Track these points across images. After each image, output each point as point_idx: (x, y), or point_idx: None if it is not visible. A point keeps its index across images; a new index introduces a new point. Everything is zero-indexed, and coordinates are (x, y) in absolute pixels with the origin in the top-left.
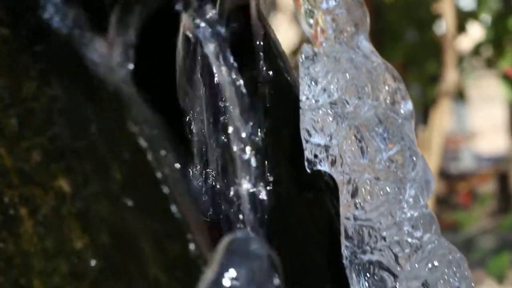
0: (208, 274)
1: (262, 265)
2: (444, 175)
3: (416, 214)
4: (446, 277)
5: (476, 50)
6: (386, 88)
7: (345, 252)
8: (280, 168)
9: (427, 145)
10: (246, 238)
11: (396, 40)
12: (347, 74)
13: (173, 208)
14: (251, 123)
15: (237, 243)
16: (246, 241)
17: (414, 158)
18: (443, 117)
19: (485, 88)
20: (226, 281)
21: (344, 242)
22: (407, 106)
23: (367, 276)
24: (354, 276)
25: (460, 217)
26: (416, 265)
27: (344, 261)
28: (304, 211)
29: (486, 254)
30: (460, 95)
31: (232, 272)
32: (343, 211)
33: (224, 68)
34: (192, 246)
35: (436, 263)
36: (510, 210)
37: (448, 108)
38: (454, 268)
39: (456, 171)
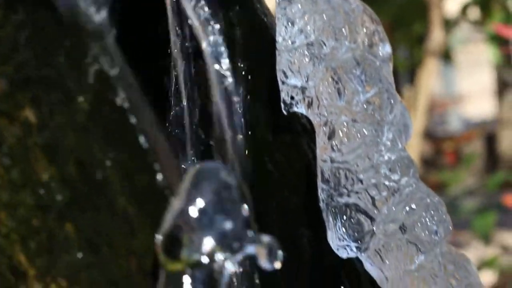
0: (175, 204)
1: (231, 195)
2: (431, 136)
3: (393, 157)
4: (423, 220)
5: (464, 11)
6: (364, 30)
7: (321, 195)
8: (256, 110)
9: (413, 104)
10: (214, 167)
11: (383, 0)
12: (324, 15)
13: (141, 139)
14: (227, 66)
15: (206, 173)
16: (215, 171)
17: (392, 101)
18: (429, 77)
19: (473, 54)
20: (193, 211)
21: (320, 185)
22: (385, 49)
23: (343, 219)
24: (330, 219)
25: (445, 177)
26: (393, 208)
27: (321, 204)
28: (281, 154)
29: (471, 214)
30: (446, 56)
31: (199, 202)
32: (319, 153)
33: (200, 11)
34: (160, 177)
35: (413, 206)
36: (496, 170)
37: (434, 68)
38: (432, 212)
39: (443, 133)
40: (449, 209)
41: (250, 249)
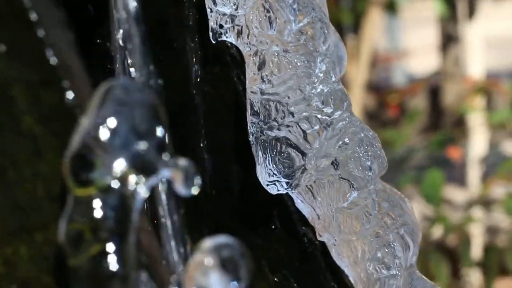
0: (85, 124)
1: (145, 115)
2: (374, 88)
3: (326, 89)
4: (357, 155)
5: None
6: None
7: (251, 129)
8: (182, 39)
9: (356, 55)
10: (127, 85)
11: None
12: None
13: (49, 53)
14: None
15: (118, 90)
16: (128, 88)
17: (326, 31)
18: (373, 28)
19: (420, 10)
20: (103, 132)
21: (250, 118)
22: None
23: (273, 154)
24: (260, 153)
25: (390, 135)
26: (326, 142)
27: (250, 138)
28: (209, 86)
29: (417, 172)
30: (391, 7)
31: (110, 122)
32: (249, 84)
33: None
34: (69, 95)
35: (347, 141)
36: (440, 124)
37: (378, 19)
38: (366, 147)
39: (387, 87)
40: (395, 168)
41: (165, 173)
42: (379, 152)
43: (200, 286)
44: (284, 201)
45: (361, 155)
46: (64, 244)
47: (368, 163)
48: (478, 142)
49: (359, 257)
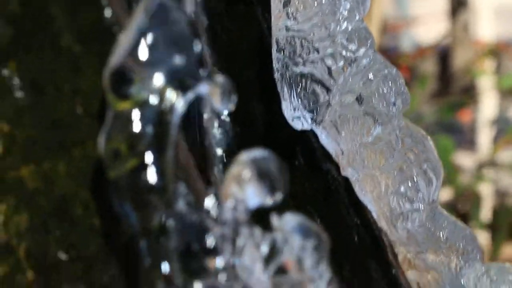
0: (123, 40)
1: (182, 30)
2: (383, 54)
3: (351, 27)
4: (381, 91)
5: None
6: None
7: (276, 65)
8: None
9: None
10: (166, 2)
11: None
12: None
13: None
14: None
15: (156, 7)
16: (166, 5)
17: None
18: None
19: None
20: (142, 48)
21: (275, 54)
22: None
23: (298, 89)
24: (285, 89)
25: None
26: (350, 79)
27: (275, 75)
28: (235, 25)
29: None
30: None
31: (149, 37)
32: (274, 21)
33: None
34: (107, 12)
35: (371, 77)
36: (451, 92)
37: None
38: (390, 83)
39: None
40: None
41: (203, 88)
42: (402, 88)
43: (236, 198)
44: (308, 137)
45: (385, 91)
46: (103, 157)
47: (392, 99)
48: (488, 106)
49: (383, 192)
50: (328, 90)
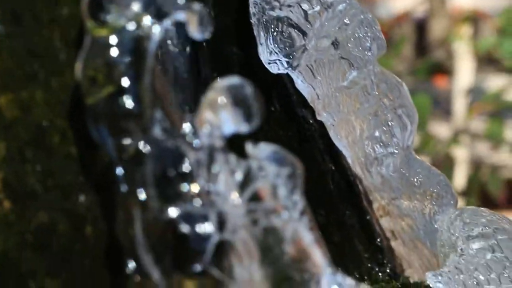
0: None
1: None
2: None
3: None
4: (357, 36)
5: None
6: None
7: (253, 9)
8: None
9: None
10: None
11: None
12: None
13: None
14: None
15: None
16: None
17: None
18: None
19: None
20: None
21: None
22: None
23: (275, 33)
24: (261, 33)
25: None
26: (326, 23)
27: (252, 19)
28: None
29: None
30: None
31: None
32: None
33: None
34: None
35: (347, 22)
36: (426, 55)
37: None
38: (366, 28)
39: None
40: None
41: (180, 15)
42: (378, 33)
43: (212, 124)
44: (283, 83)
45: (361, 35)
46: (80, 84)
47: (368, 43)
48: (464, 73)
49: (357, 136)
50: (304, 34)
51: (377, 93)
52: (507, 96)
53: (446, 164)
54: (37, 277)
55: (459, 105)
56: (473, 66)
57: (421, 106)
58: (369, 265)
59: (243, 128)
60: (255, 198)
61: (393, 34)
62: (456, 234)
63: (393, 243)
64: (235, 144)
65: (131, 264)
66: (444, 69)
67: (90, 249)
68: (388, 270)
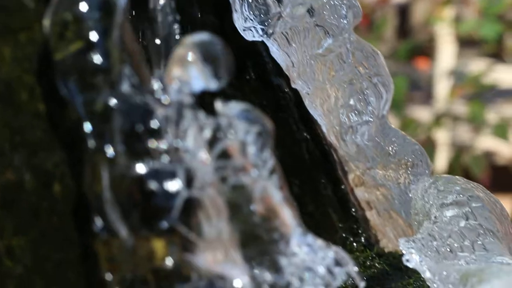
0: None
1: None
2: None
3: None
4: (332, 3)
5: None
6: None
7: None
8: None
9: None
10: None
11: None
12: None
13: None
14: None
15: None
16: None
17: None
18: None
19: None
20: None
21: None
22: None
23: (250, 0)
24: (237, 0)
25: None
26: None
27: None
28: None
29: None
30: None
31: None
32: None
33: None
34: None
35: None
36: (408, 38)
37: None
38: None
39: None
40: None
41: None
42: (353, 1)
43: (181, 80)
44: (259, 51)
45: (337, 3)
46: (49, 39)
47: (343, 11)
48: (446, 55)
49: (332, 105)
50: (279, 1)
51: (352, 61)
52: (488, 78)
53: (427, 148)
54: (5, 235)
55: (441, 88)
56: (455, 49)
57: (397, 88)
58: (343, 235)
59: (212, 84)
60: (224, 155)
61: (375, 17)
62: (430, 202)
63: (368, 214)
64: (205, 103)
65: (98, 221)
66: (426, 51)
67: (58, 207)
68: (362, 240)
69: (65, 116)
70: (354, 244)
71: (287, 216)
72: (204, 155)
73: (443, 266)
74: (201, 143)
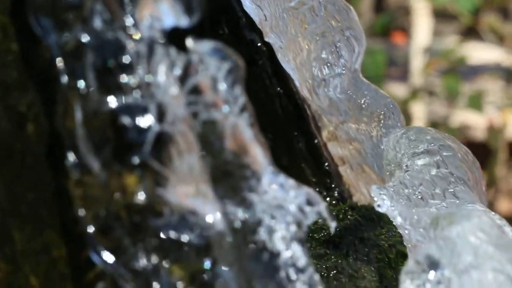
0: None
1: None
2: None
3: None
4: None
5: None
6: None
7: None
8: None
9: None
10: None
11: None
12: None
13: None
14: None
15: None
16: None
17: None
18: None
19: None
20: None
21: None
22: None
23: None
24: None
25: None
26: None
27: None
28: None
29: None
30: None
31: None
32: None
33: None
34: None
35: None
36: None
37: None
38: None
39: None
40: None
41: None
42: None
43: (151, 16)
44: (232, 6)
45: None
46: None
47: None
48: (422, 29)
49: (305, 58)
50: None
51: (324, 14)
52: (461, 52)
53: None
54: None
55: (417, 63)
56: (431, 24)
57: (376, 63)
58: (317, 189)
59: (183, 21)
60: (195, 91)
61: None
62: (402, 152)
63: (341, 169)
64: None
65: (71, 156)
66: (402, 26)
67: (32, 147)
68: (336, 194)
69: (38, 55)
70: (327, 198)
71: (258, 154)
72: (175, 91)
73: (414, 211)
74: (172, 79)
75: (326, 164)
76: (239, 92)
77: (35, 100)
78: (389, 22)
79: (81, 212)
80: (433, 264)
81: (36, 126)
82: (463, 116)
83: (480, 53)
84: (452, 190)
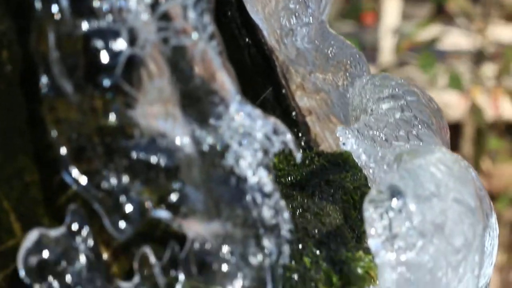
0: None
1: None
2: None
3: None
4: None
5: None
6: None
7: None
8: None
9: None
10: None
11: None
12: None
13: None
14: None
15: None
16: None
17: None
18: None
19: None
20: None
21: None
22: None
23: None
24: None
25: None
26: None
27: None
28: None
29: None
30: None
31: None
32: None
33: None
34: None
35: None
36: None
37: None
38: None
39: None
40: None
41: None
42: None
43: None
44: None
45: None
46: None
47: None
48: (391, 11)
49: (273, 8)
50: None
51: None
52: (433, 33)
53: None
54: None
55: (386, 43)
56: (400, 5)
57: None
58: None
59: None
60: (166, 17)
61: None
62: (367, 97)
63: (308, 119)
64: None
65: (44, 79)
66: (373, 7)
67: (6, 75)
68: (302, 144)
69: None
70: None
71: (226, 81)
72: (146, 16)
73: (379, 150)
74: (143, 5)
75: (294, 113)
76: (208, 20)
77: (9, 28)
78: (360, 5)
79: (54, 135)
80: (396, 193)
81: (10, 53)
82: (440, 97)
83: (449, 35)
84: (415, 132)
